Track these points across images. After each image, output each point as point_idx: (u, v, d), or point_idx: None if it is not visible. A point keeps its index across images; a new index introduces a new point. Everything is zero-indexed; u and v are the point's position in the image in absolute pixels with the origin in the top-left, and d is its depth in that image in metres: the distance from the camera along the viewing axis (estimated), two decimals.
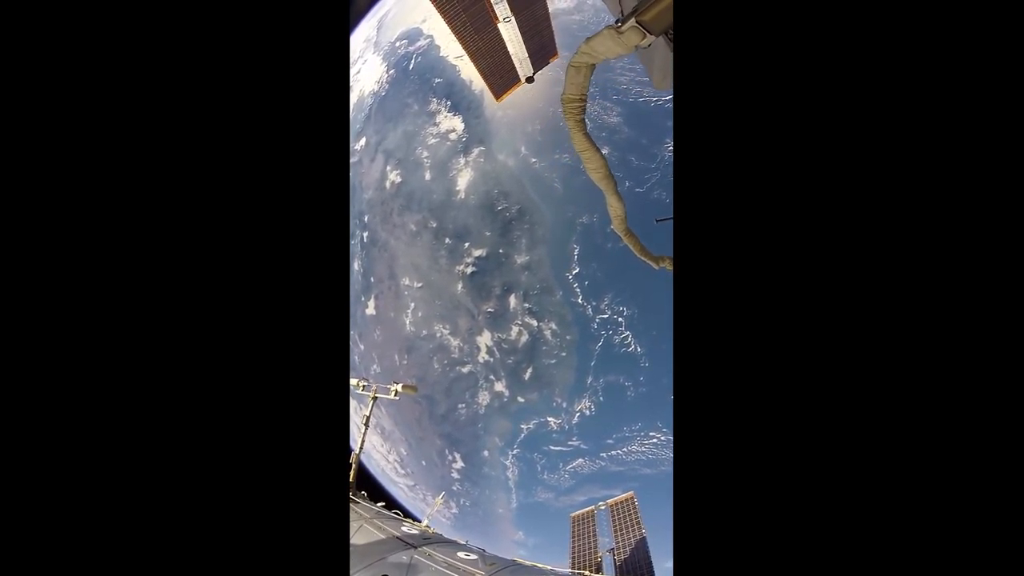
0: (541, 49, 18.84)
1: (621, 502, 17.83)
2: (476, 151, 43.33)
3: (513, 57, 18.40)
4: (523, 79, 18.67)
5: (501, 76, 18.68)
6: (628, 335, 39.36)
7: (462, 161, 43.14)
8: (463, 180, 42.98)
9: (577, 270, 41.21)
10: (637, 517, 16.77)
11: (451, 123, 43.70)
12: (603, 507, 18.15)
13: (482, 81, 19.44)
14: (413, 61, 45.18)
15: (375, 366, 43.19)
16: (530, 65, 18.63)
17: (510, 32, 17.64)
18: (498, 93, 18.96)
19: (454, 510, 43.09)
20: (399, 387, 11.40)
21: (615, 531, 16.84)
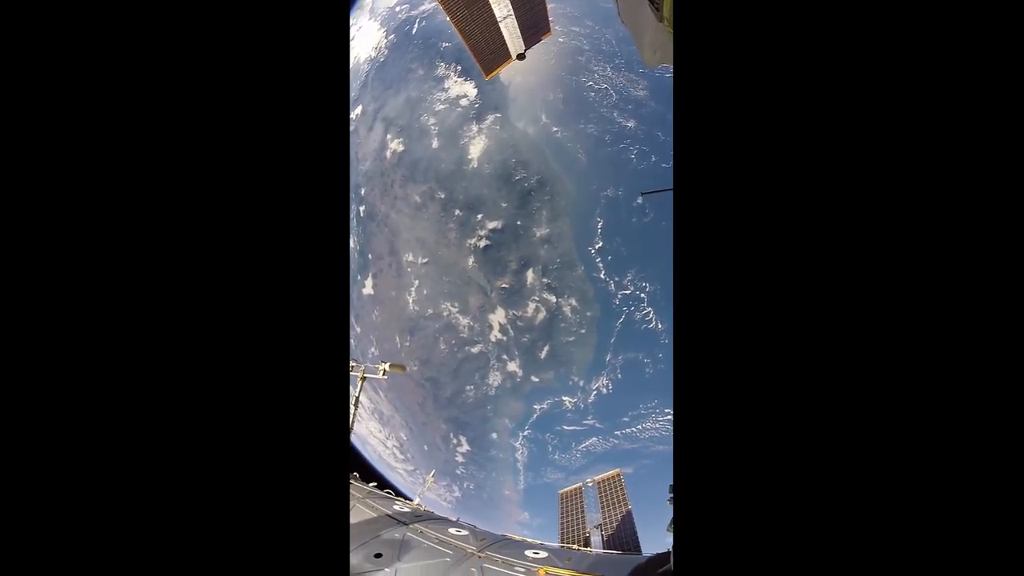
0: (534, 25, 19.90)
1: (608, 479, 19.76)
2: (491, 118, 43.75)
3: (504, 33, 19.55)
4: (514, 56, 19.88)
5: (491, 52, 19.86)
6: (650, 311, 40.56)
7: (475, 128, 43.73)
8: (476, 148, 43.58)
9: (600, 244, 42.11)
10: (623, 493, 18.66)
11: (462, 88, 43.91)
12: (591, 484, 20.06)
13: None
14: (416, 25, 45.15)
15: (373, 348, 44.45)
16: (522, 42, 19.80)
17: (502, 7, 18.74)
18: (487, 70, 20.14)
19: (456, 494, 45.28)
20: (387, 366, 12.92)
21: (602, 507, 18.73)
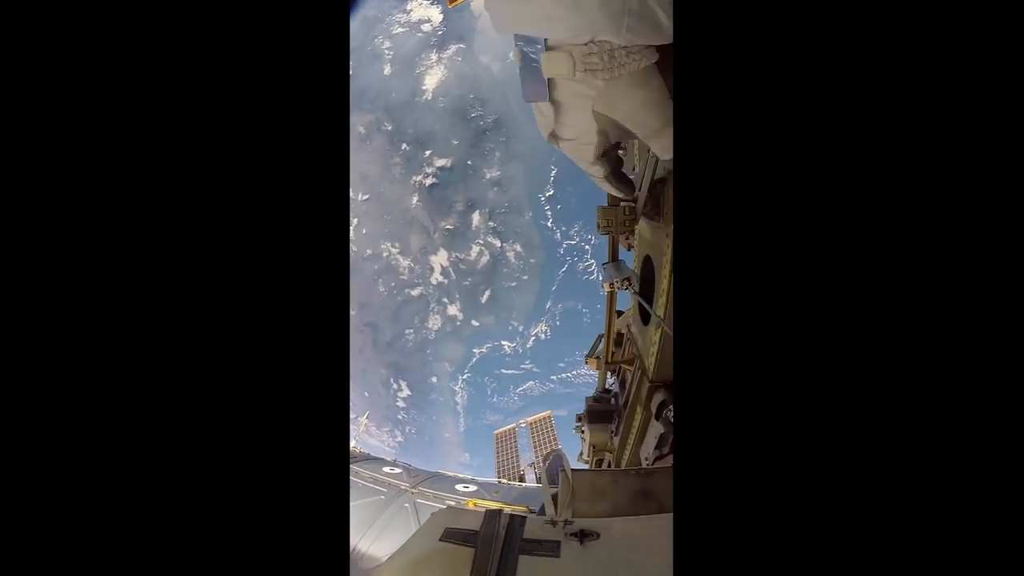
0: None
1: (539, 420, 20.87)
2: (453, 48, 42.00)
3: None
4: None
5: None
6: (592, 263, 41.75)
7: (434, 57, 42.03)
8: (432, 79, 42.13)
9: (552, 192, 42.36)
10: (553, 433, 19.86)
11: (426, 12, 41.75)
12: (523, 425, 21.15)
13: None
14: None
15: None
16: None
17: None
18: None
19: (399, 439, 46.10)
20: None
21: (534, 446, 19.85)
